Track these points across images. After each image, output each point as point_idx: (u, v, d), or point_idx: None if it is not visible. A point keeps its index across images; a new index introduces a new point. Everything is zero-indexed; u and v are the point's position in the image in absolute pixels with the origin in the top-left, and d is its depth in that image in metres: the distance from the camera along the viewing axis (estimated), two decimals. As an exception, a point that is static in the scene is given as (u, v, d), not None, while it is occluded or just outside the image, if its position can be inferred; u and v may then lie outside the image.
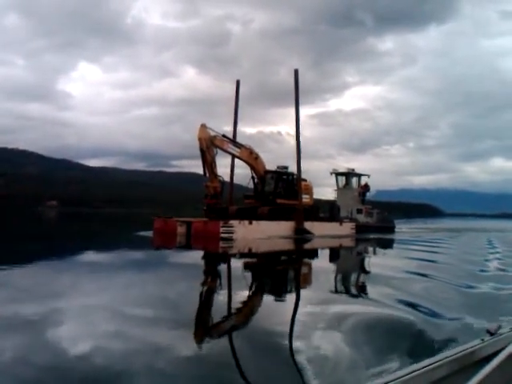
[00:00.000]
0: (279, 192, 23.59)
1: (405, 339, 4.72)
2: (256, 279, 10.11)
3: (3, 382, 3.55)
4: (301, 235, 22.03)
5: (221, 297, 7.68)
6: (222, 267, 12.82)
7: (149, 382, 3.70)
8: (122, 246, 16.54)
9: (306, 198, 24.25)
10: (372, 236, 25.36)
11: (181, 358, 4.23)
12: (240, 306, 6.89)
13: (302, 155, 23.81)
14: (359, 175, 31.21)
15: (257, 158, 23.16)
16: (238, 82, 27.10)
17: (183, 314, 6.06)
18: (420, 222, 59.51)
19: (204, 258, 14.60)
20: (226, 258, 14.80)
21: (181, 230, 20.41)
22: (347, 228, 26.12)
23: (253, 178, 23.61)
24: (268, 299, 7.78)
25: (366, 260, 15.09)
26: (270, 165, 24.27)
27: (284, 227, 22.12)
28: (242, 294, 7.82)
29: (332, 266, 14.08)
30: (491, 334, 2.49)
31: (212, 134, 20.42)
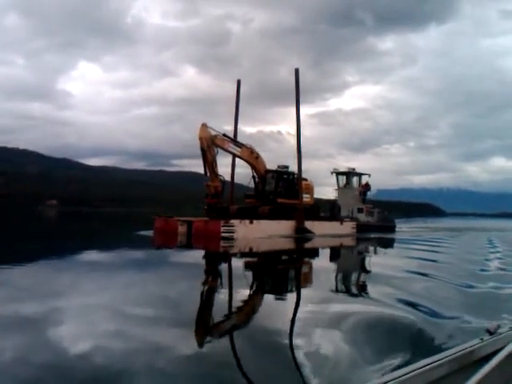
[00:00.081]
0: (280, 191, 23.59)
1: (405, 338, 4.73)
2: (257, 278, 10.12)
3: (3, 381, 3.55)
4: (301, 234, 22.04)
5: (222, 296, 7.68)
6: (223, 266, 12.82)
7: (149, 381, 3.70)
8: (122, 246, 16.56)
9: (306, 198, 24.25)
10: (373, 235, 25.36)
11: (181, 358, 4.23)
12: (241, 305, 6.90)
13: (302, 155, 23.86)
14: (360, 174, 31.20)
15: (257, 157, 23.16)
16: (238, 82, 27.09)
17: (184, 314, 6.06)
18: (420, 221, 59.45)
19: (205, 257, 14.61)
20: (226, 257, 14.81)
21: (182, 229, 20.42)
22: (348, 227, 26.12)
23: (253, 177, 23.61)
24: (269, 298, 7.79)
25: (367, 259, 15.10)
26: (271, 164, 24.31)
27: (285, 226, 22.13)
28: (242, 293, 7.82)
29: (333, 266, 14.08)
30: (490, 334, 2.48)
31: (213, 133, 20.43)
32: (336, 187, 30.95)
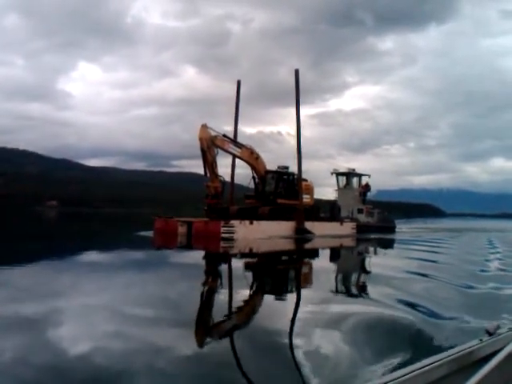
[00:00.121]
0: (280, 192, 23.61)
1: (404, 339, 4.73)
2: (257, 279, 10.13)
3: (3, 382, 3.56)
4: (301, 235, 22.06)
5: (222, 296, 7.69)
6: (223, 267, 12.83)
7: (149, 381, 3.70)
8: (122, 246, 16.56)
9: (306, 198, 24.28)
10: (373, 236, 25.37)
11: (181, 358, 4.23)
12: (241, 305, 6.90)
13: (302, 155, 23.88)
14: (360, 175, 31.24)
15: (257, 158, 23.18)
16: (238, 82, 27.12)
17: (184, 314, 6.07)
18: (420, 221, 59.49)
19: (205, 258, 14.62)
20: (226, 257, 14.81)
21: (182, 230, 20.44)
22: (348, 228, 26.15)
23: (253, 178, 23.63)
24: (269, 299, 7.79)
25: (367, 260, 15.11)
26: (271, 165, 24.34)
27: (285, 227, 22.14)
28: (242, 294, 7.83)
29: (333, 266, 14.09)
30: (490, 334, 2.48)
31: (213, 134, 20.44)
32: (336, 188, 31.01)
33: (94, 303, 6.41)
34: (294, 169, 24.17)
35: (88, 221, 47.88)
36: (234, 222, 20.00)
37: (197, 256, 15.13)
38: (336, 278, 10.68)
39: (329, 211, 27.97)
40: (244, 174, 24.89)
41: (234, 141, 23.13)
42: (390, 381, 1.90)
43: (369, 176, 31.44)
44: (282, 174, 24.24)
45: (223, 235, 19.11)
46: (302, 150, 23.90)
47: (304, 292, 8.48)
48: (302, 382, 3.70)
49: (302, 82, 24.36)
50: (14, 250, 14.41)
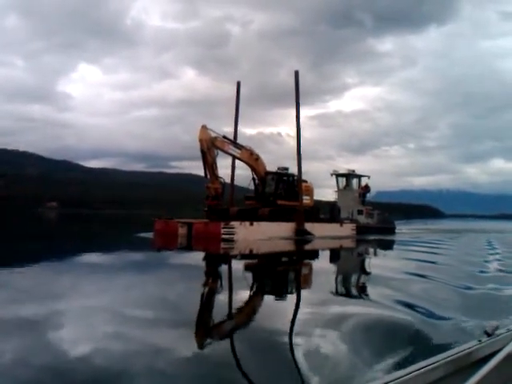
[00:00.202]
0: (280, 193, 23.62)
1: (402, 340, 4.74)
2: (257, 280, 10.14)
3: (5, 383, 3.57)
4: (301, 236, 22.05)
5: (222, 298, 7.70)
6: (223, 268, 12.84)
7: (149, 382, 3.72)
8: (122, 248, 16.56)
9: (306, 199, 24.28)
10: (372, 237, 25.34)
11: (181, 359, 4.25)
12: (240, 307, 6.92)
13: (301, 156, 23.87)
14: (359, 176, 31.24)
15: (257, 159, 23.20)
16: (238, 84, 27.14)
17: (184, 315, 6.08)
18: (420, 223, 59.42)
19: (205, 259, 14.63)
20: (227, 259, 14.82)
21: (182, 231, 20.45)
22: (348, 229, 26.14)
23: (253, 179, 23.64)
24: (269, 300, 7.81)
25: (367, 261, 15.11)
26: (270, 166, 24.37)
27: (285, 228, 22.14)
28: (242, 295, 7.84)
29: (332, 267, 14.09)
30: (488, 335, 2.48)
31: (213, 135, 20.46)
32: (336, 189, 30.99)
33: (94, 305, 6.41)
34: (293, 170, 24.20)
35: (88, 222, 47.87)
36: (234, 224, 20.01)
37: (197, 257, 15.14)
38: (336, 279, 10.68)
39: (329, 212, 27.95)
40: (244, 175, 24.96)
41: (234, 142, 23.15)
42: (389, 382, 1.90)
43: (368, 177, 31.49)
44: (281, 176, 24.25)
45: (223, 236, 19.12)
46: (302, 151, 23.94)
47: (304, 293, 8.50)
48: (301, 382, 3.72)
49: (302, 83, 24.44)
50: (14, 250, 14.42)
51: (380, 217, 31.10)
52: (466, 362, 2.29)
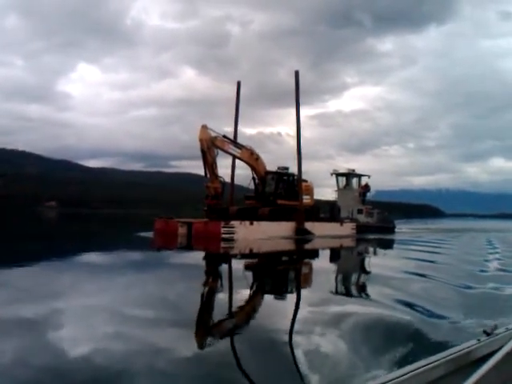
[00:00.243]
0: (280, 193, 23.64)
1: (402, 339, 4.76)
2: (257, 279, 10.16)
3: (4, 383, 3.58)
4: (301, 235, 22.09)
5: (222, 297, 7.72)
6: (223, 268, 12.85)
7: (149, 382, 3.73)
8: (122, 247, 16.55)
9: (306, 199, 24.31)
10: (372, 236, 25.39)
11: (181, 359, 4.26)
12: (241, 306, 6.94)
13: (301, 156, 23.90)
14: (359, 176, 31.28)
15: (257, 158, 23.22)
16: (238, 84, 27.14)
17: (184, 315, 6.09)
18: (420, 222, 59.51)
19: (205, 258, 14.65)
20: (227, 258, 14.85)
21: (182, 230, 20.47)
22: (348, 228, 26.19)
23: (253, 178, 23.66)
24: (269, 299, 7.83)
25: (367, 260, 15.14)
26: (270, 166, 24.34)
27: (285, 228, 22.17)
28: (242, 294, 7.85)
29: (332, 267, 14.12)
30: (487, 334, 2.48)
31: (213, 134, 20.46)
32: (336, 188, 31.06)
33: (94, 304, 6.42)
34: (293, 169, 24.22)
35: (87, 221, 47.86)
36: (234, 223, 20.03)
37: (197, 257, 15.16)
38: (336, 278, 10.71)
39: (329, 212, 27.99)
40: (244, 174, 24.92)
41: (234, 142, 23.16)
42: (388, 381, 1.91)
43: (368, 176, 31.56)
44: (281, 175, 24.27)
45: (223, 236, 19.14)
46: (302, 150, 23.97)
47: (304, 292, 8.52)
48: (301, 381, 3.74)
49: (302, 82, 24.43)
50: (13, 250, 14.42)
51: (380, 216, 31.14)
52: (465, 361, 2.29)
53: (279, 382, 3.86)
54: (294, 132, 24.54)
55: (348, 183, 31.08)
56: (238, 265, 13.26)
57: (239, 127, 26.59)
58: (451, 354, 2.25)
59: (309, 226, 23.10)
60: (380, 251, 18.71)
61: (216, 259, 14.64)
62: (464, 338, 3.40)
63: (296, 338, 4.90)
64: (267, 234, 20.38)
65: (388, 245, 21.76)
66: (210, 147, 19.98)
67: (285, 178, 24.38)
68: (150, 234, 20.57)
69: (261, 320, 6.05)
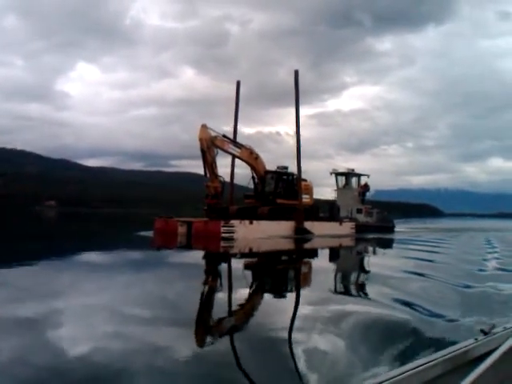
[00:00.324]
0: (279, 192, 23.65)
1: (400, 338, 4.77)
2: (256, 279, 10.17)
3: (3, 382, 3.58)
4: (301, 235, 22.10)
5: (221, 296, 7.73)
6: (223, 267, 12.86)
7: (149, 381, 3.74)
8: (122, 246, 16.55)
9: (306, 198, 24.32)
10: (372, 236, 25.41)
11: (181, 358, 4.26)
12: (240, 305, 6.95)
13: (301, 155, 23.91)
14: (359, 175, 31.28)
15: (257, 158, 23.22)
16: (238, 83, 27.10)
17: (183, 314, 6.10)
18: (419, 221, 59.47)
19: (205, 257, 14.66)
20: (226, 257, 14.86)
21: (181, 229, 20.47)
22: (347, 228, 26.19)
23: (253, 178, 23.67)
24: (268, 298, 7.83)
25: (366, 260, 15.14)
26: (270, 165, 24.37)
27: (284, 227, 22.19)
28: (242, 294, 7.86)
29: (332, 266, 14.13)
30: (485, 334, 2.50)
31: (213, 134, 20.47)
32: (335, 188, 31.05)
33: (94, 303, 6.42)
34: (293, 169, 24.22)
35: (87, 221, 47.81)
36: (234, 222, 20.04)
37: (197, 256, 15.17)
38: (335, 277, 10.73)
39: (328, 211, 27.98)
40: (243, 174, 24.97)
41: (234, 141, 23.16)
42: (386, 380, 1.92)
43: (368, 176, 31.55)
44: (281, 174, 24.27)
45: (223, 235, 19.15)
46: (301, 150, 23.96)
47: (303, 291, 8.52)
48: (301, 380, 3.75)
49: (301, 82, 24.44)
50: (13, 249, 14.42)
51: (379, 215, 31.15)
52: (462, 360, 2.30)
53: (279, 382, 3.87)
54: (293, 131, 24.59)
55: (347, 183, 31.09)
56: (237, 264, 13.26)
57: (239, 126, 26.61)
58: (449, 353, 2.26)
59: (308, 225, 23.10)
60: (379, 250, 18.74)
61: (216, 258, 14.64)
62: (462, 337, 3.42)
63: (295, 337, 4.92)
64: (267, 234, 20.40)
65: (387, 244, 21.78)
66: (209, 147, 19.99)
67: (284, 177, 24.38)
68: (149, 234, 20.57)
69: (260, 319, 6.06)
